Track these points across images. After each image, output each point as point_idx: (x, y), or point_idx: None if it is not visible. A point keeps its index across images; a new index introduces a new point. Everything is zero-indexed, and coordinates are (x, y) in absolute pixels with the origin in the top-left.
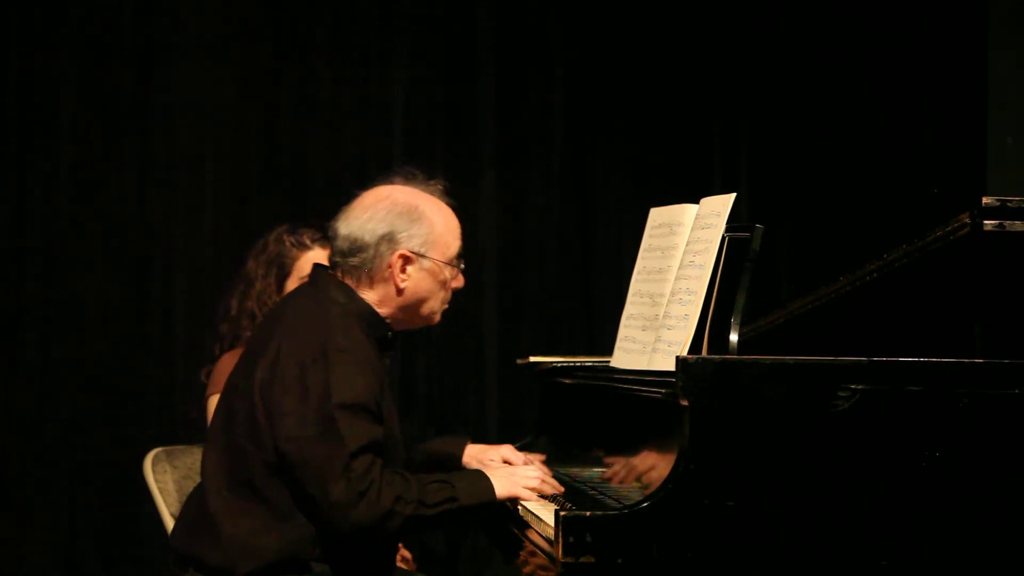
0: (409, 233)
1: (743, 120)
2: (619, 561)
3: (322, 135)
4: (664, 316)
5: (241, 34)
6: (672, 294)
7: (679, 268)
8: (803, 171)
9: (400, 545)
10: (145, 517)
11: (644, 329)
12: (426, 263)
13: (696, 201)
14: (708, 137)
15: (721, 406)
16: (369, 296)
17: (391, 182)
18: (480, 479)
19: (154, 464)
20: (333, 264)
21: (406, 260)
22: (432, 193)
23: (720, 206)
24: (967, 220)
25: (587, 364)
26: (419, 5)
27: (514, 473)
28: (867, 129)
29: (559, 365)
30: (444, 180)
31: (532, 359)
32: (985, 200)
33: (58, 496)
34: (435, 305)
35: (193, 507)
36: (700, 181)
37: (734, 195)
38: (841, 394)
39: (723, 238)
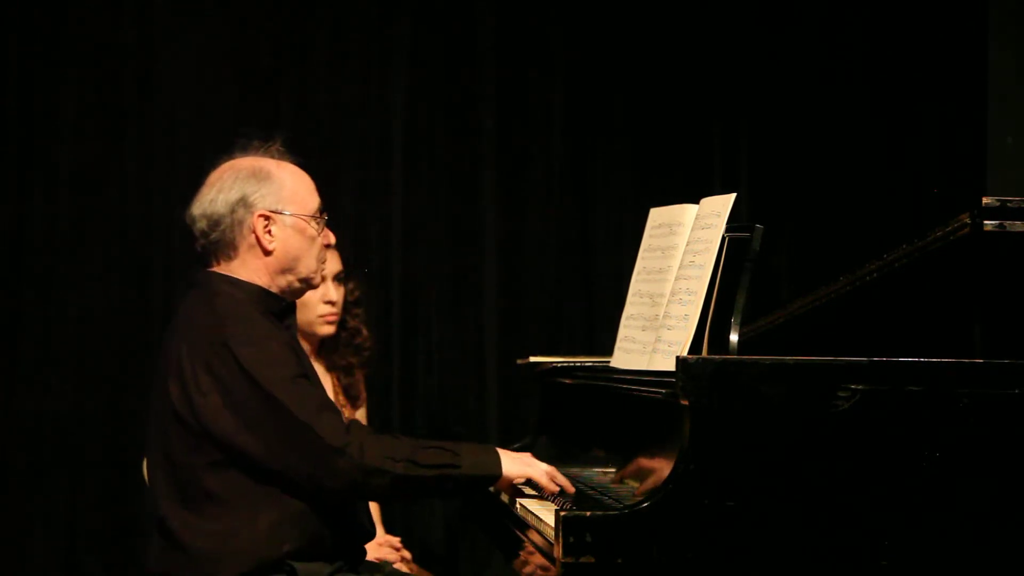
0: (261, 193)
1: (743, 120)
2: (619, 561)
3: (322, 135)
4: (664, 316)
5: (241, 34)
6: (672, 294)
7: (679, 268)
8: (803, 171)
9: (400, 545)
10: (145, 517)
11: (644, 329)
12: (287, 219)
13: (696, 201)
14: (708, 137)
15: (721, 406)
16: (246, 270)
17: (231, 157)
18: (488, 452)
19: None
20: (201, 251)
21: (267, 219)
22: (273, 155)
23: (720, 206)
24: (967, 220)
25: (587, 364)
26: (419, 5)
27: (529, 456)
28: (867, 129)
29: (559, 365)
30: (281, 137)
31: (532, 359)
32: (985, 200)
33: (58, 496)
34: (311, 264)
35: (159, 532)
36: (700, 181)
37: (734, 195)
38: (841, 394)
39: (723, 238)
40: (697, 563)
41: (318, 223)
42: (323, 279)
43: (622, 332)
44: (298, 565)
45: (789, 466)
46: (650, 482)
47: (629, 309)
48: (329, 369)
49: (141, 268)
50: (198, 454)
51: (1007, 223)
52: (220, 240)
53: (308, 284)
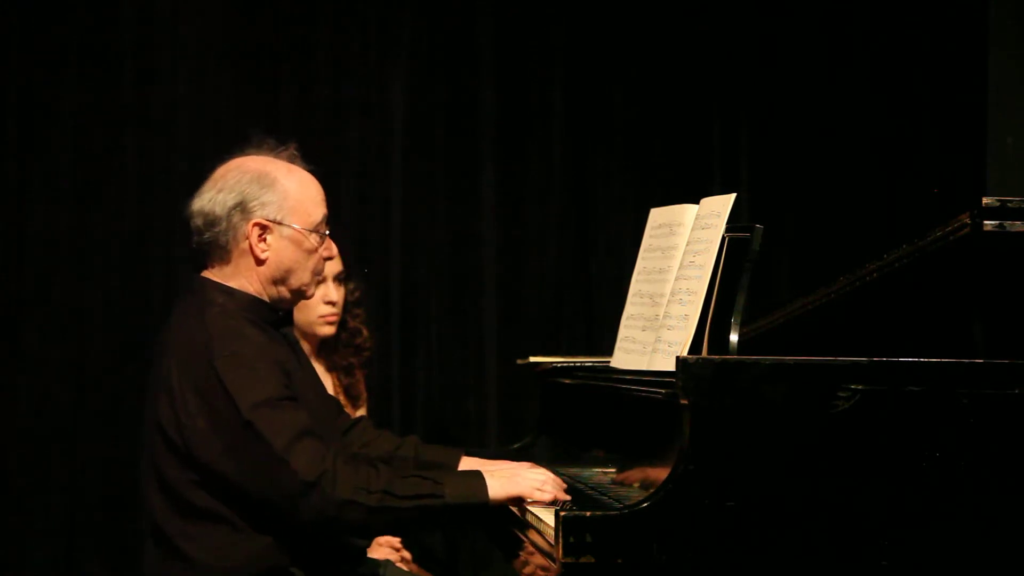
0: (261, 200)
1: (743, 119)
2: (619, 561)
3: (322, 135)
4: (664, 316)
5: (241, 34)
6: (672, 294)
7: (679, 268)
8: (803, 171)
9: (400, 546)
10: (145, 517)
11: (644, 329)
12: (285, 231)
13: (696, 201)
14: (708, 137)
15: (721, 406)
16: (239, 278)
17: (244, 154)
18: (474, 478)
19: None
20: (196, 248)
21: (263, 228)
22: (285, 159)
23: (720, 206)
24: (967, 220)
25: (587, 364)
26: (419, 5)
27: (517, 474)
28: (867, 129)
29: (559, 365)
30: (296, 144)
31: (532, 359)
32: (985, 200)
33: (58, 496)
34: (305, 277)
35: (155, 541)
36: (700, 181)
37: (734, 195)
38: (841, 394)
39: (723, 238)
40: (697, 563)
41: (319, 236)
42: (321, 283)
43: (622, 332)
44: (296, 571)
45: (789, 466)
46: (650, 482)
47: (629, 309)
48: (329, 369)
49: (141, 268)
50: (190, 470)
51: (1007, 223)
52: (213, 242)
53: (300, 295)
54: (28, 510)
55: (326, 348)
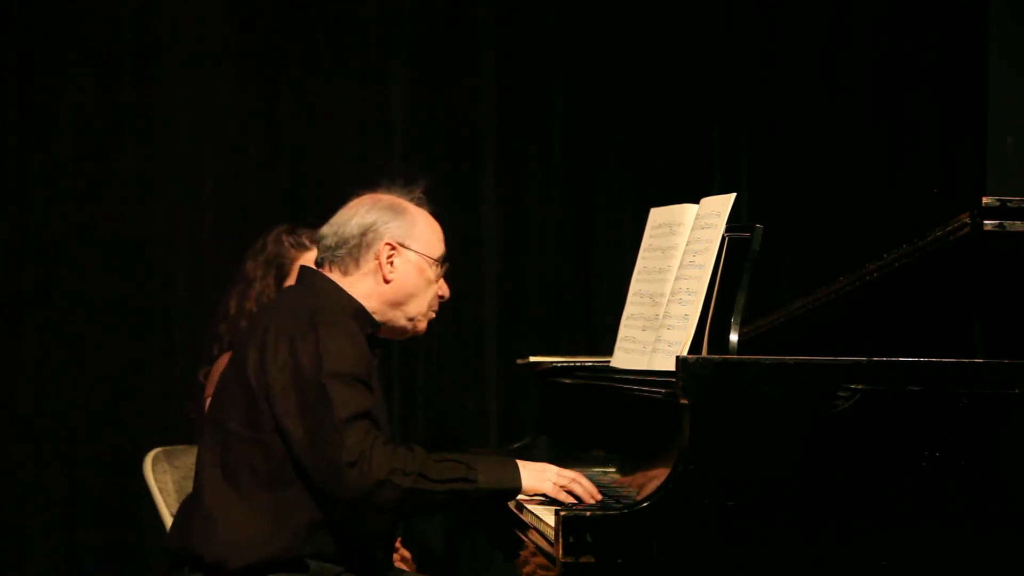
0: (394, 224)
1: (743, 120)
2: (619, 561)
3: (322, 135)
4: (664, 316)
5: (241, 34)
6: (672, 294)
7: (679, 268)
8: (803, 171)
9: (399, 545)
10: (145, 517)
11: (644, 329)
12: (411, 256)
13: (696, 201)
14: (708, 137)
15: (721, 406)
16: (357, 289)
17: (373, 190)
18: (506, 465)
19: (154, 464)
20: (320, 262)
21: (392, 249)
22: (413, 199)
23: (720, 206)
24: (967, 220)
25: (587, 364)
26: (419, 5)
27: (546, 470)
28: (867, 129)
29: (559, 365)
30: (425, 184)
31: (532, 359)
32: (985, 200)
33: (58, 496)
34: (421, 306)
35: (188, 506)
36: (700, 181)
37: (734, 195)
38: (841, 394)
39: (723, 238)
40: (697, 563)
41: (438, 269)
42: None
43: (622, 332)
44: (311, 562)
45: (789, 466)
46: (650, 482)
47: (629, 309)
48: None
49: (140, 268)
50: (255, 429)
51: (1007, 223)
52: (344, 257)
53: (413, 326)
54: (28, 510)
55: None
